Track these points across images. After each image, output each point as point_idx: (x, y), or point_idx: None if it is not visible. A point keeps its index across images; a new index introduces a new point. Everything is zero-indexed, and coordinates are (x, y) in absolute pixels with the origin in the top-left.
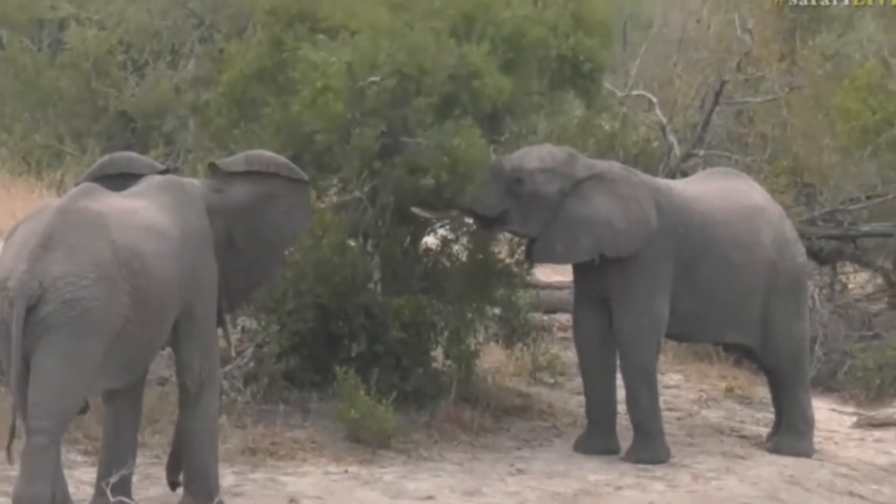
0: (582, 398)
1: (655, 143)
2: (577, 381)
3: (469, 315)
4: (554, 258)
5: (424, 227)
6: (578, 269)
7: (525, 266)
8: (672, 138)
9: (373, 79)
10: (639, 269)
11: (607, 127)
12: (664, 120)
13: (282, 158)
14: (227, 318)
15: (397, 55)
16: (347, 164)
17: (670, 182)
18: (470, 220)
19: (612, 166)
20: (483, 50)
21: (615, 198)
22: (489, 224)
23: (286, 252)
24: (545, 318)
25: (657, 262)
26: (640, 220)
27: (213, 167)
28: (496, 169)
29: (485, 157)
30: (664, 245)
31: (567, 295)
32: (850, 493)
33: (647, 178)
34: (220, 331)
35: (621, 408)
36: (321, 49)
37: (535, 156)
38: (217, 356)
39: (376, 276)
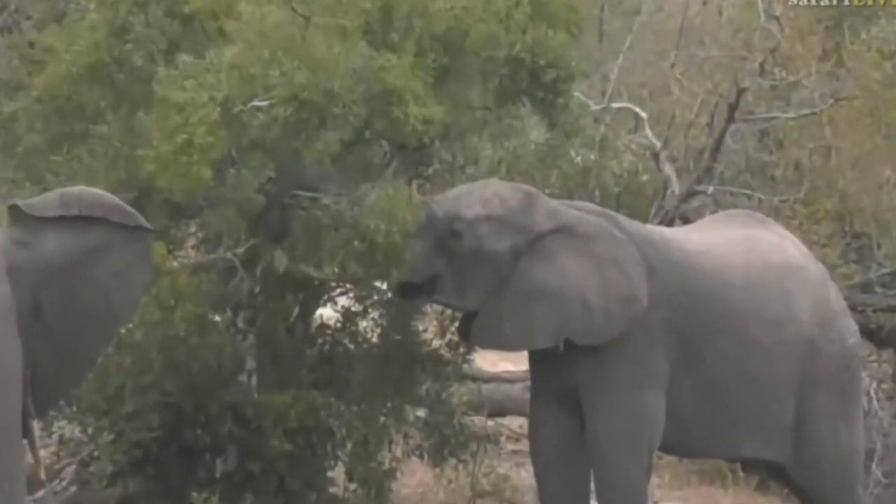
0: None
1: (646, 177)
2: None
3: (382, 419)
4: (502, 342)
5: (318, 294)
6: (537, 356)
7: (461, 350)
8: (669, 170)
9: (258, 103)
10: (621, 354)
11: (578, 157)
12: (657, 144)
13: (112, 198)
14: (35, 423)
15: (294, 75)
16: (217, 216)
17: (666, 232)
18: (382, 286)
19: (585, 214)
20: (406, 60)
21: (589, 260)
22: (412, 293)
23: (120, 330)
24: (489, 423)
25: (647, 344)
26: (624, 292)
27: (15, 210)
28: (427, 219)
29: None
30: (657, 320)
31: (520, 390)
32: None
33: (634, 227)
34: (25, 442)
35: None
36: (184, 75)
37: (477, 198)
38: (21, 479)
39: (250, 363)
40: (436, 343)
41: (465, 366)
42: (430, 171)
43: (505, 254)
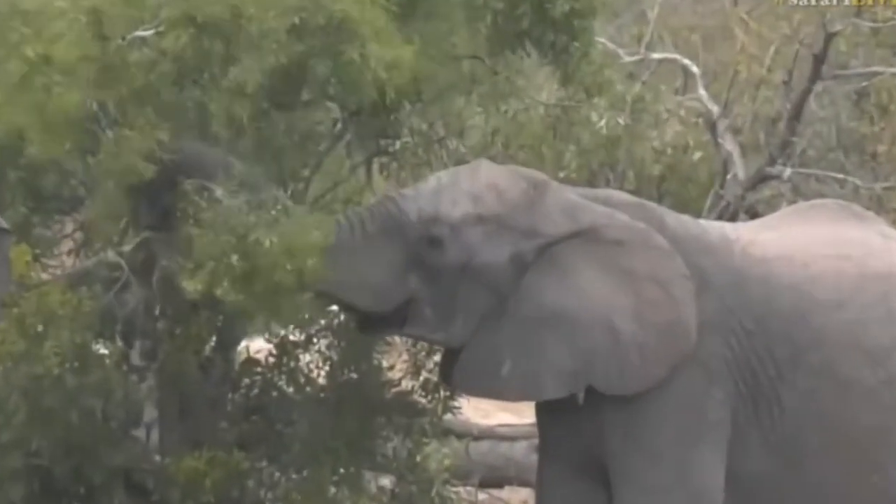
0: None
1: (698, 155)
2: None
3: (331, 490)
4: (498, 390)
5: (243, 319)
6: (547, 406)
7: (442, 395)
8: (730, 145)
9: (141, 33)
10: (663, 402)
11: (602, 123)
12: (714, 109)
13: None
14: None
15: None
16: (95, 199)
17: (727, 231)
18: (338, 312)
19: (614, 209)
20: None
21: (620, 276)
22: (377, 326)
23: None
24: (482, 496)
25: (700, 386)
26: (668, 321)
27: None
28: (389, 221)
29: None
30: (714, 354)
31: (524, 451)
32: None
33: (681, 226)
34: None
35: None
36: None
37: (463, 191)
38: None
39: (150, 413)
40: (407, 385)
41: (448, 417)
42: (398, 145)
43: (503, 268)
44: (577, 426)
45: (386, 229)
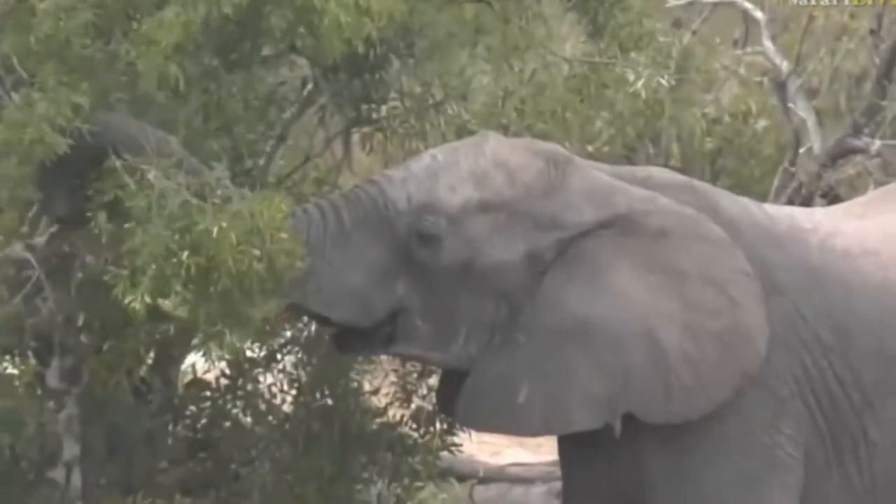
0: None
1: (763, 123)
2: None
3: None
4: (512, 422)
5: (188, 329)
6: (572, 439)
7: (438, 428)
8: (804, 110)
9: None
10: (720, 435)
11: (641, 82)
12: (783, 65)
13: None
14: None
15: None
16: None
17: (800, 219)
18: (311, 323)
19: (656, 191)
20: None
21: (665, 275)
22: (357, 343)
23: None
24: None
25: (766, 414)
26: (728, 331)
27: None
28: (371, 211)
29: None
30: (784, 374)
31: (542, 496)
32: None
33: (742, 211)
34: None
35: None
36: None
37: (465, 171)
38: None
39: (71, 449)
40: (394, 415)
41: (447, 455)
42: (384, 111)
43: (516, 269)
44: (611, 465)
45: (368, 221)
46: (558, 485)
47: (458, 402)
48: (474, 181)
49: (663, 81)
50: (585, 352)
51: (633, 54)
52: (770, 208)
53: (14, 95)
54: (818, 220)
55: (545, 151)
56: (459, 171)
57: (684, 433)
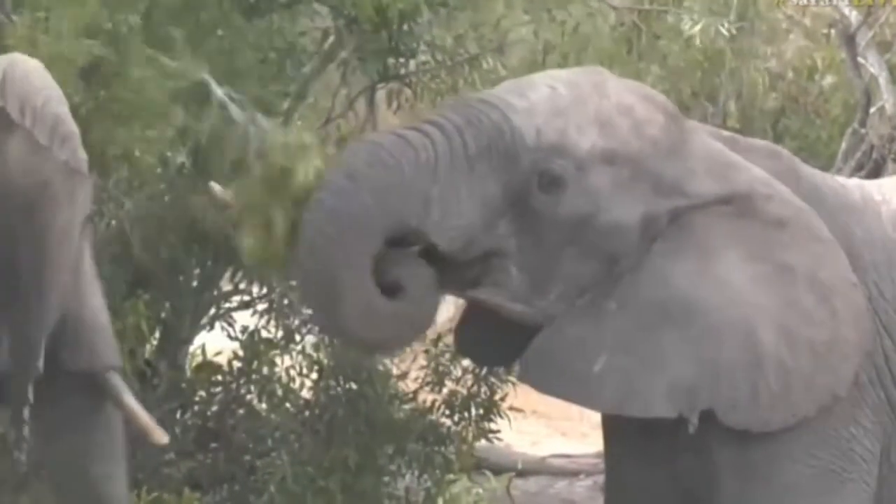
0: None
1: (829, 79)
2: None
3: None
4: (582, 390)
5: (199, 302)
6: (625, 427)
7: (474, 415)
8: (876, 64)
9: None
10: (796, 436)
11: (696, 33)
12: (853, 17)
13: None
14: None
15: None
16: None
17: (871, 189)
18: None
19: (769, 176)
20: None
21: (775, 272)
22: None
23: None
24: None
25: (847, 413)
26: (825, 345)
27: None
28: (497, 138)
29: None
30: (868, 372)
31: (587, 490)
32: None
33: (822, 183)
34: None
35: None
36: None
37: (590, 113)
38: None
39: None
40: (425, 400)
41: (483, 444)
42: (413, 66)
43: (631, 232)
44: (670, 460)
45: (492, 151)
46: (604, 478)
47: (524, 358)
48: (599, 126)
49: (722, 30)
50: (680, 335)
51: (687, 2)
52: (840, 179)
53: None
54: (887, 191)
55: (662, 103)
56: (586, 111)
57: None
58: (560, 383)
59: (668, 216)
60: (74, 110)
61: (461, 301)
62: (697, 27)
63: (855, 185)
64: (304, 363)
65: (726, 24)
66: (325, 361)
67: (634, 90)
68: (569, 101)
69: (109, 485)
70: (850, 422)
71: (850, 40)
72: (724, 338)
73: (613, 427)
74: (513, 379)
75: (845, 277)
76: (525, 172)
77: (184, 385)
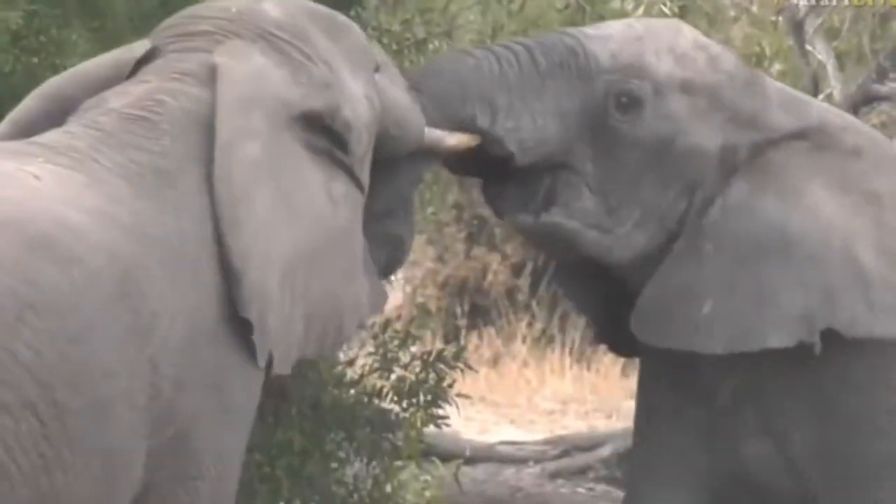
0: None
1: (778, 67)
2: None
3: None
4: (694, 336)
5: None
6: (680, 370)
7: (423, 401)
8: (823, 53)
9: None
10: (880, 394)
11: (640, 14)
12: (800, 3)
13: None
14: None
15: None
16: None
17: None
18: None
19: (838, 110)
20: None
21: (859, 198)
22: (515, 202)
23: None
24: None
25: None
26: None
27: None
28: (569, 58)
29: None
30: None
31: (535, 478)
32: None
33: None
34: None
35: None
36: None
37: (666, 44)
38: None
39: None
40: (373, 386)
41: (432, 430)
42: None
43: (711, 160)
44: (733, 430)
45: (564, 69)
46: (552, 465)
47: (634, 316)
48: (675, 57)
49: (665, 10)
50: (782, 266)
51: None
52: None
53: None
54: None
55: (731, 51)
56: (662, 41)
57: (842, 392)
58: (674, 333)
59: (747, 149)
60: (4, 78)
61: (408, 289)
62: (640, 9)
63: None
64: None
65: (669, 4)
66: None
67: (703, 37)
68: (644, 32)
69: None
70: None
71: (797, 27)
72: (827, 262)
73: (652, 404)
74: (461, 365)
75: None
76: (601, 94)
77: None
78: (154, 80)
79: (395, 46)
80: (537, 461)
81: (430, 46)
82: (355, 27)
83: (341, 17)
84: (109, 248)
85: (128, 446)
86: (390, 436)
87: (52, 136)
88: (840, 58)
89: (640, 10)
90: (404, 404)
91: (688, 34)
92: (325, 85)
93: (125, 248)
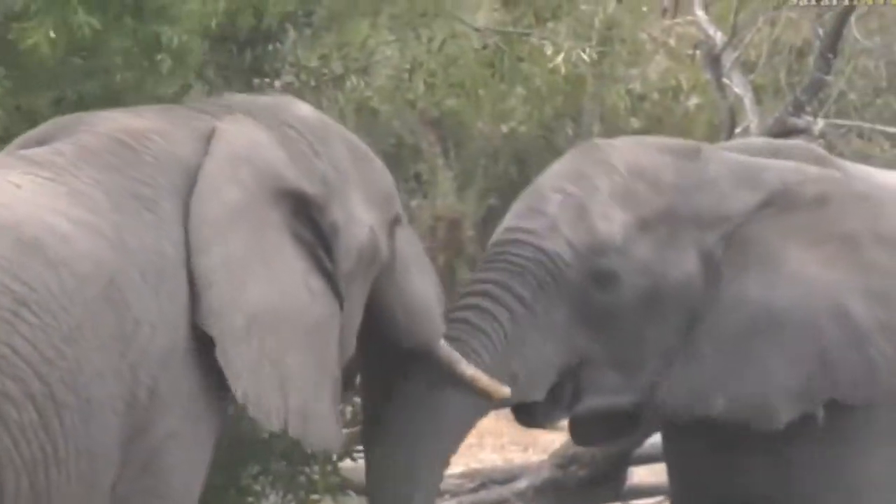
0: None
1: (695, 101)
2: None
3: None
4: (719, 427)
5: None
6: (686, 446)
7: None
8: (740, 85)
9: None
10: (870, 423)
11: (560, 59)
12: (718, 37)
13: None
14: None
15: None
16: None
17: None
18: None
19: (795, 162)
20: None
21: (836, 245)
22: (544, 411)
23: None
24: None
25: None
26: None
27: None
28: (542, 273)
29: None
30: None
31: None
32: None
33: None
34: None
35: None
36: None
37: (605, 194)
38: None
39: None
40: None
41: (348, 464)
42: (278, 85)
43: (696, 277)
44: (743, 464)
45: (544, 288)
46: (469, 498)
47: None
48: (620, 202)
49: (584, 56)
50: (776, 344)
51: (550, 24)
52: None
53: None
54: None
55: (666, 146)
56: (601, 196)
57: (836, 421)
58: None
59: (721, 244)
60: None
61: None
62: (560, 56)
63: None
64: None
65: (588, 49)
66: None
67: (635, 148)
68: (581, 196)
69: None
70: None
71: (714, 61)
72: (819, 328)
73: (674, 442)
74: None
75: None
76: (578, 284)
77: None
78: (152, 120)
79: (313, 83)
80: (454, 494)
81: (348, 83)
82: (387, 172)
83: (376, 158)
84: (95, 255)
85: (108, 451)
86: (306, 469)
87: (36, 150)
88: (757, 91)
89: (560, 58)
90: None
91: (619, 166)
92: (322, 180)
93: (109, 256)
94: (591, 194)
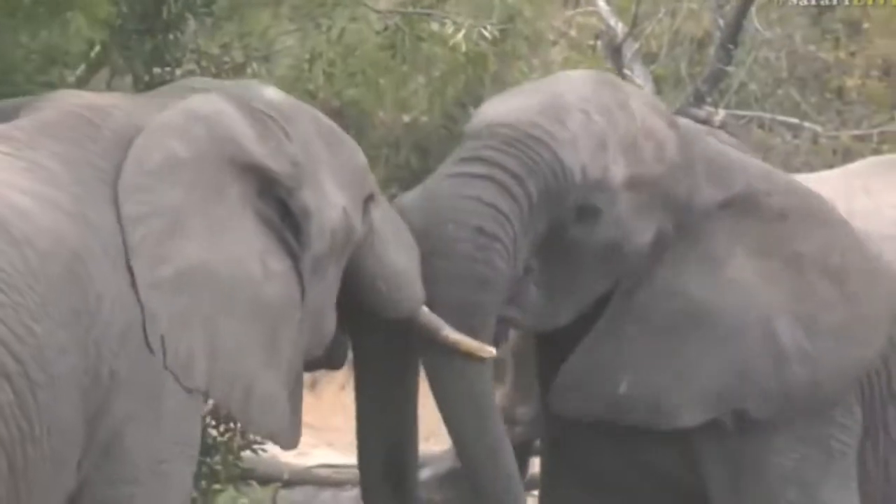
0: None
1: None
2: None
3: None
4: (607, 411)
5: None
6: (581, 435)
7: (239, 426)
8: (641, 75)
9: None
10: (804, 432)
11: (461, 35)
12: (619, 28)
13: None
14: None
15: None
16: None
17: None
18: None
19: (771, 169)
20: None
21: (781, 263)
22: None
23: None
24: None
25: (843, 407)
26: (842, 326)
27: None
28: (552, 180)
29: None
30: None
31: (353, 500)
32: None
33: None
34: None
35: None
36: None
37: (620, 139)
38: None
39: None
40: None
41: (249, 455)
42: (179, 74)
43: (645, 252)
44: (645, 456)
45: (547, 194)
46: None
47: (553, 390)
48: (627, 152)
49: (485, 33)
50: (701, 343)
51: (449, 5)
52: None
53: None
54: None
55: (669, 115)
56: (618, 137)
57: (754, 432)
58: (590, 407)
59: (674, 230)
60: None
61: None
62: (461, 34)
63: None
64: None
65: (489, 28)
66: None
67: (651, 105)
68: (604, 128)
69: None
70: (828, 420)
71: (615, 51)
72: (744, 337)
73: (562, 433)
74: None
75: (859, 257)
76: (566, 206)
77: None
78: (117, 98)
79: (213, 70)
80: (355, 484)
81: (249, 70)
82: (359, 151)
83: (348, 137)
84: (57, 230)
85: (75, 428)
86: (208, 459)
87: None
88: (658, 82)
89: (461, 35)
90: (221, 428)
91: (637, 116)
92: (292, 161)
93: (71, 231)
94: (611, 132)
